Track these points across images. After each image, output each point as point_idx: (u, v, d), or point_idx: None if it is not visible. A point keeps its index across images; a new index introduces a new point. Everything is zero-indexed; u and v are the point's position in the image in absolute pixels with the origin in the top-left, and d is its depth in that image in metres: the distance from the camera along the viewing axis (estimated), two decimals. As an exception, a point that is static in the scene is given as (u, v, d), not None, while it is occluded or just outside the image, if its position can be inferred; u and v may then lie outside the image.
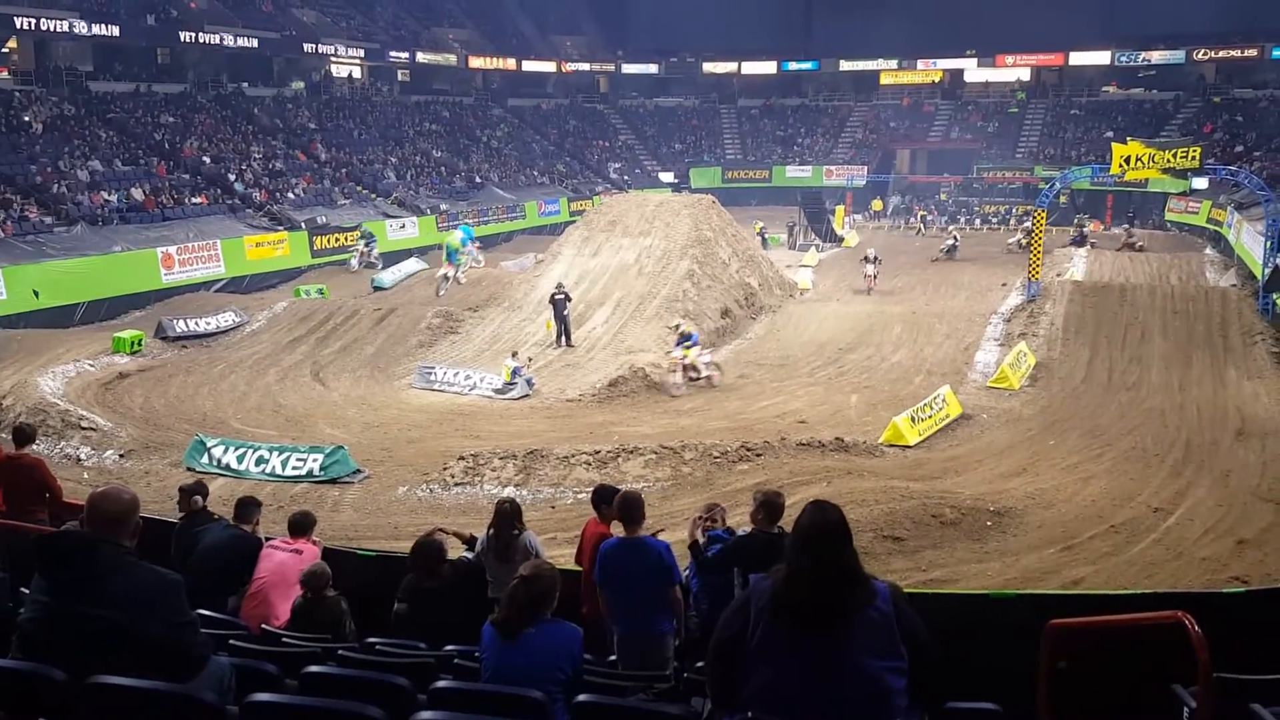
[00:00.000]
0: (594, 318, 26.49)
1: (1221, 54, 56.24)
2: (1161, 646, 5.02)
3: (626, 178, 58.21)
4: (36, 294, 27.82)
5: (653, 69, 68.46)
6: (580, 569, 7.58)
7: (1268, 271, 26.20)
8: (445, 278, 31.23)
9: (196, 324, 27.04)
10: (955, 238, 41.75)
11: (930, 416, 18.61)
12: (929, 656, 3.41)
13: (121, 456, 17.34)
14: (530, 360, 23.44)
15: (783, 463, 15.92)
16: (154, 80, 45.00)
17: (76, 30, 41.39)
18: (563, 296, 25.38)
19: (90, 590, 3.78)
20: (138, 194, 34.96)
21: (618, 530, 7.34)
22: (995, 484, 15.73)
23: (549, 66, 66.46)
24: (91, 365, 23.42)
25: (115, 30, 43.01)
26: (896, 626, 3.36)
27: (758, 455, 16.15)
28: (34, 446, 10.42)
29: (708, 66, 67.47)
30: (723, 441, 16.75)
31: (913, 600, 3.89)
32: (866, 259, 34.52)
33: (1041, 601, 7.07)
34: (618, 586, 6.75)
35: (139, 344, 25.06)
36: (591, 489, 8.40)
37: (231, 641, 5.48)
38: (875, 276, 33.91)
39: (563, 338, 25.39)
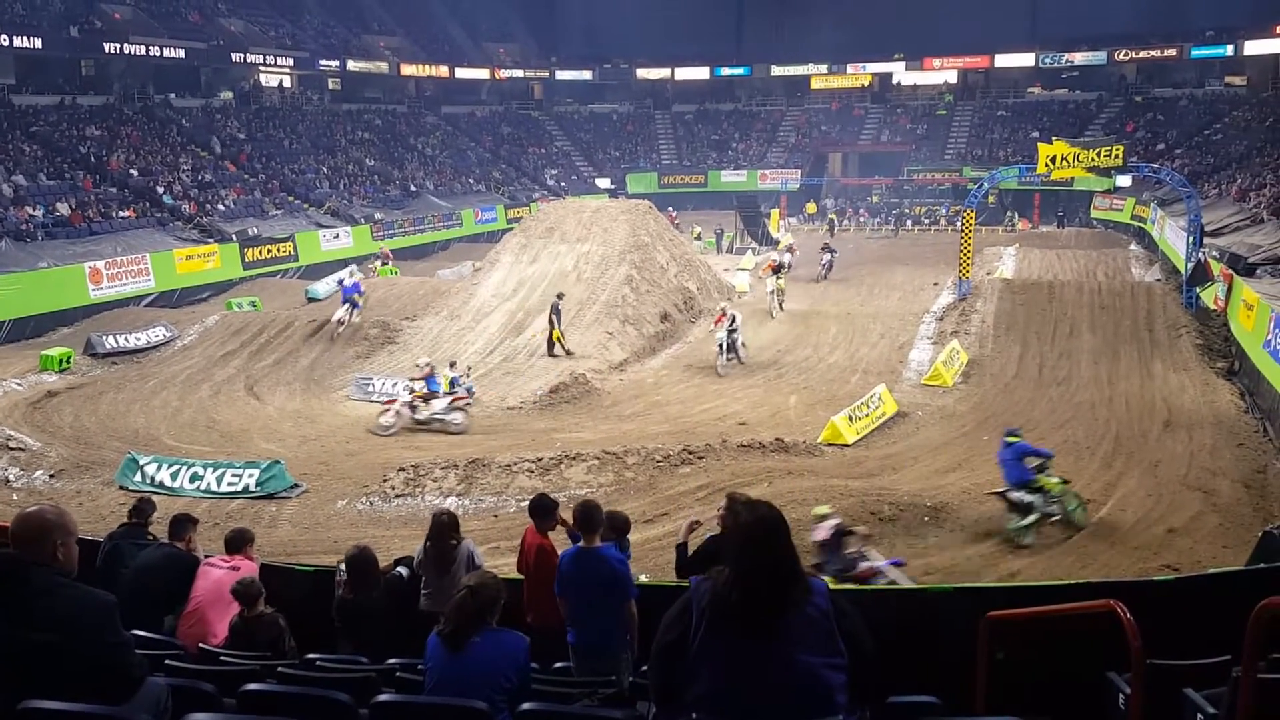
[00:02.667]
0: (534, 324, 26.38)
1: (1142, 54, 57.69)
2: (1096, 635, 5.13)
3: (563, 184, 58.16)
4: (-42, 312, 27.11)
5: (586, 75, 68.53)
6: (522, 577, 7.55)
7: (1190, 266, 26.87)
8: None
9: (126, 340, 26.47)
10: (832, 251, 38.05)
11: (867, 415, 18.83)
12: (868, 652, 3.45)
13: (52, 477, 16.92)
14: (469, 369, 23.29)
15: (724, 465, 16.01)
16: (78, 93, 44.04)
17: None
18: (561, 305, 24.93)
19: (20, 612, 3.69)
20: (63, 208, 34.17)
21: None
22: (932, 480, 15.95)
23: (482, 74, 66.19)
24: (19, 384, 22.86)
25: (37, 42, 42.02)
26: (835, 623, 3.39)
27: (699, 458, 16.21)
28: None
29: (641, 72, 67.72)
30: (665, 445, 16.80)
31: (852, 597, 3.94)
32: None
33: (978, 594, 7.17)
34: (573, 596, 6.76)
35: (67, 361, 24.50)
36: (534, 497, 8.38)
37: (168, 662, 5.38)
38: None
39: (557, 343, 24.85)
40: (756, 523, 3.48)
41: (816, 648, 3.33)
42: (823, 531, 10.66)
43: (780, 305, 28.76)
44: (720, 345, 23.70)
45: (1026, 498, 13.26)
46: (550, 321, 24.74)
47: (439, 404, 20.02)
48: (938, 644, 6.26)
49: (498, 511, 14.90)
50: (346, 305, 27.11)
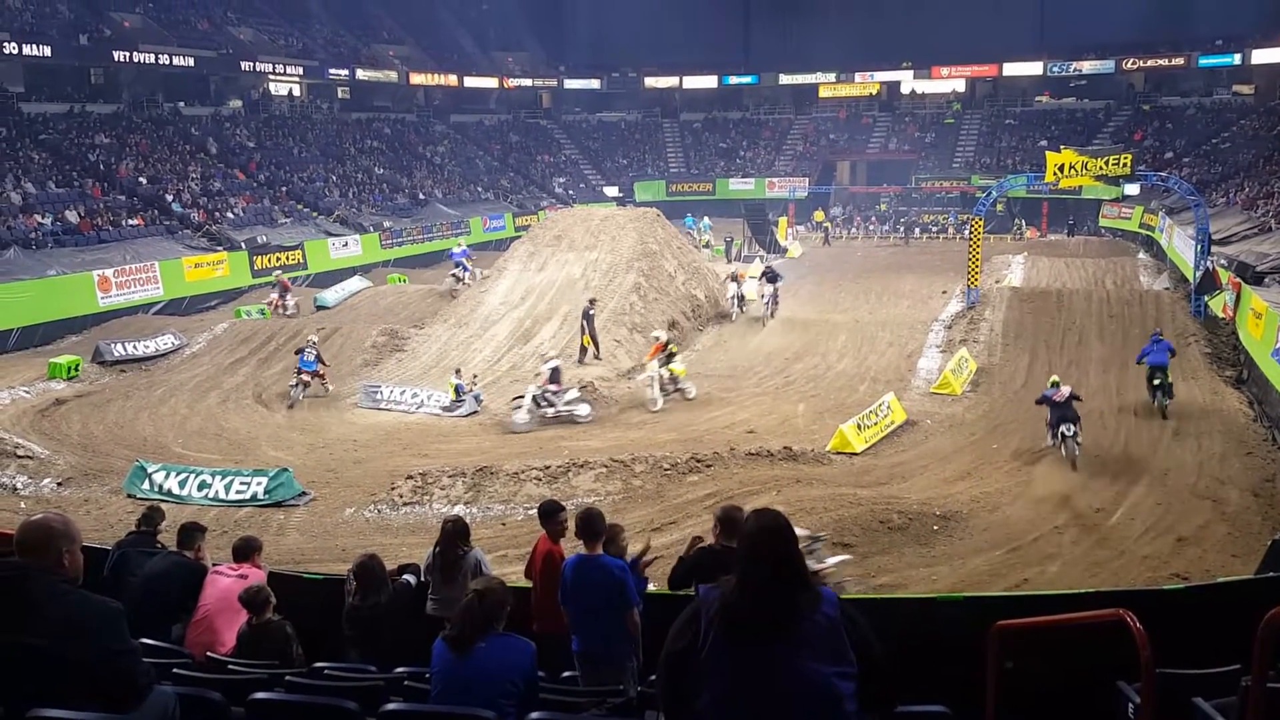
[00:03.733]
0: (541, 332, 26.42)
1: (1150, 63, 57.65)
2: (1105, 644, 5.11)
3: (571, 192, 58.22)
4: (-32, 320, 27.20)
5: (595, 84, 68.65)
6: (530, 584, 7.55)
7: (1199, 274, 26.77)
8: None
9: (135, 347, 26.54)
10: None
11: (876, 424, 18.79)
12: (877, 661, 3.44)
13: (59, 484, 16.97)
14: (475, 378, 23.31)
15: (732, 473, 15.98)
16: (88, 101, 44.23)
17: (7, 50, 40.55)
18: (593, 310, 24.78)
19: (25, 621, 3.68)
20: (72, 216, 34.31)
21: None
22: (941, 488, 15.92)
23: (491, 82, 66.36)
24: (27, 392, 22.92)
25: (47, 50, 42.22)
26: (844, 631, 3.38)
27: (707, 466, 16.20)
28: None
29: (649, 81, 67.79)
30: (672, 453, 16.78)
31: (862, 606, 3.93)
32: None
33: (988, 604, 7.16)
34: (575, 604, 6.75)
35: (76, 369, 24.56)
36: (542, 503, 8.39)
37: (175, 670, 5.38)
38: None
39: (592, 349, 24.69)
40: (763, 530, 3.48)
41: (826, 656, 3.32)
42: (1061, 393, 16.92)
43: (677, 391, 22.15)
44: (528, 400, 20.57)
45: (1169, 380, 19.21)
46: (581, 327, 24.71)
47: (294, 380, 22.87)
48: (947, 653, 6.23)
49: (505, 519, 14.90)
50: (457, 269, 33.22)
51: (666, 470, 16.07)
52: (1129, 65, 58.01)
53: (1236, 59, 54.59)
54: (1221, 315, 25.20)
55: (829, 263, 42.27)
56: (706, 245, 43.04)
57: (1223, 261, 27.93)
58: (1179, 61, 56.84)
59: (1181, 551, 13.11)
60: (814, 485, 15.51)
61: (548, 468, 16.25)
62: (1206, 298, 26.19)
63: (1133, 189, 42.28)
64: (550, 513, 7.56)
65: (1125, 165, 28.17)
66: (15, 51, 40.96)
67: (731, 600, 3.41)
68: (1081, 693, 5.63)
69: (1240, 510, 14.58)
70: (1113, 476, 16.28)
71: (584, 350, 24.63)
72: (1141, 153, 46.05)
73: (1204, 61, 56.01)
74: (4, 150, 36.90)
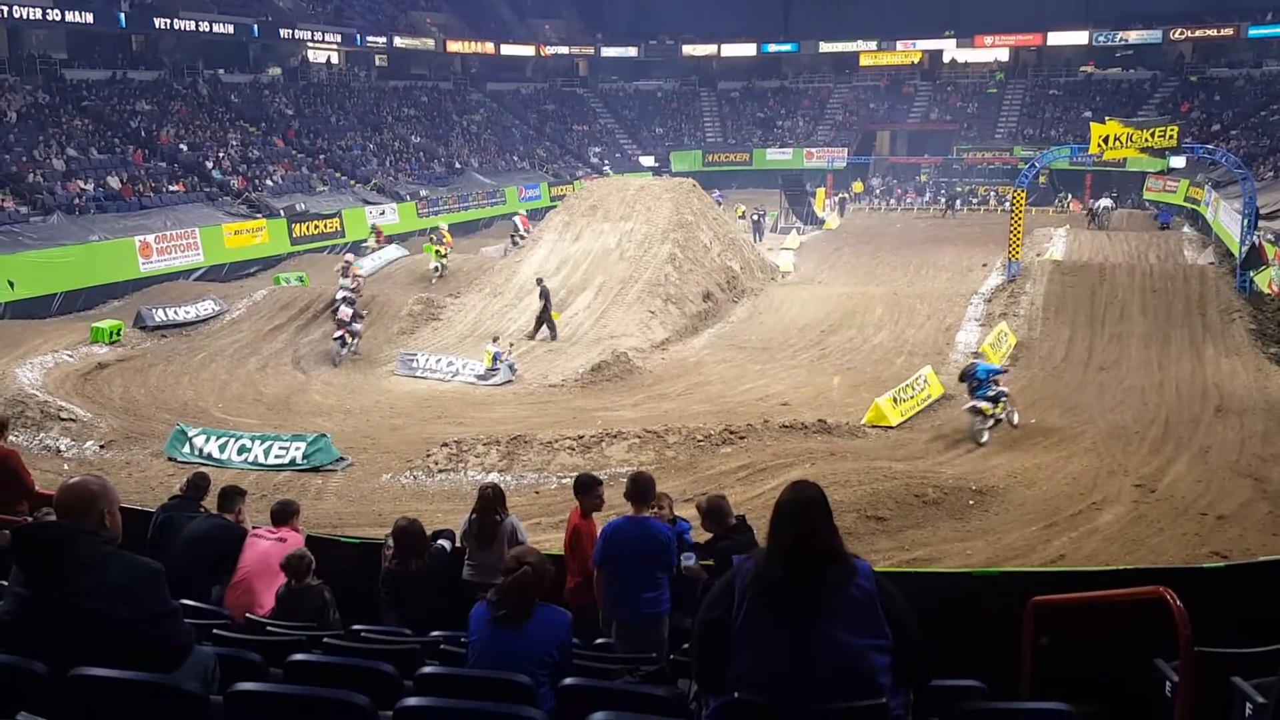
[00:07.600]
0: (576, 303, 26.44)
1: (1198, 33, 56.45)
2: (1143, 621, 5.06)
3: (607, 162, 58.01)
4: (12, 284, 27.53)
5: (632, 52, 68.16)
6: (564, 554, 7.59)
7: (1245, 249, 26.35)
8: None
9: (175, 313, 26.84)
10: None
11: (912, 397, 18.67)
12: (913, 635, 3.42)
13: (102, 447, 17.22)
14: (511, 346, 23.39)
15: (766, 445, 15.96)
16: (129, 67, 44.52)
17: (50, 17, 40.87)
18: (541, 289, 24.97)
19: (69, 581, 3.74)
20: (114, 182, 34.63)
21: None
22: (977, 463, 15.81)
23: (528, 50, 66.10)
24: (70, 356, 23.23)
25: (89, 17, 42.47)
26: (879, 604, 3.37)
27: (741, 438, 16.17)
28: (12, 438, 10.29)
29: (687, 49, 67.20)
30: (706, 425, 16.77)
31: (896, 579, 3.91)
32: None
33: (1024, 579, 7.10)
34: (617, 565, 6.74)
35: (118, 334, 24.87)
36: (575, 474, 8.42)
37: (215, 631, 5.45)
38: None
39: (539, 329, 24.97)
40: (794, 502, 3.48)
41: (860, 629, 3.32)
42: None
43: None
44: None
45: None
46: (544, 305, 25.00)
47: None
48: (983, 627, 6.21)
49: (539, 488, 14.97)
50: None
51: (700, 442, 16.06)
52: (1176, 35, 56.81)
53: (1287, 29, 53.42)
54: (1267, 291, 24.79)
55: (867, 234, 41.93)
56: (741, 216, 42.53)
57: (1269, 236, 27.43)
58: (1228, 32, 55.60)
59: (1221, 529, 12.95)
60: (848, 458, 15.47)
61: (581, 437, 16.30)
62: (1252, 273, 25.77)
63: (1179, 162, 41.50)
64: (585, 486, 7.48)
65: (1172, 137, 27.69)
66: (59, 18, 41.24)
67: (764, 570, 3.41)
68: (1118, 670, 5.59)
69: (1282, 489, 14.37)
70: (1152, 452, 16.12)
71: (551, 326, 24.77)
72: (1188, 125, 45.26)
73: (1254, 32, 54.74)
74: (47, 116, 37.27)
